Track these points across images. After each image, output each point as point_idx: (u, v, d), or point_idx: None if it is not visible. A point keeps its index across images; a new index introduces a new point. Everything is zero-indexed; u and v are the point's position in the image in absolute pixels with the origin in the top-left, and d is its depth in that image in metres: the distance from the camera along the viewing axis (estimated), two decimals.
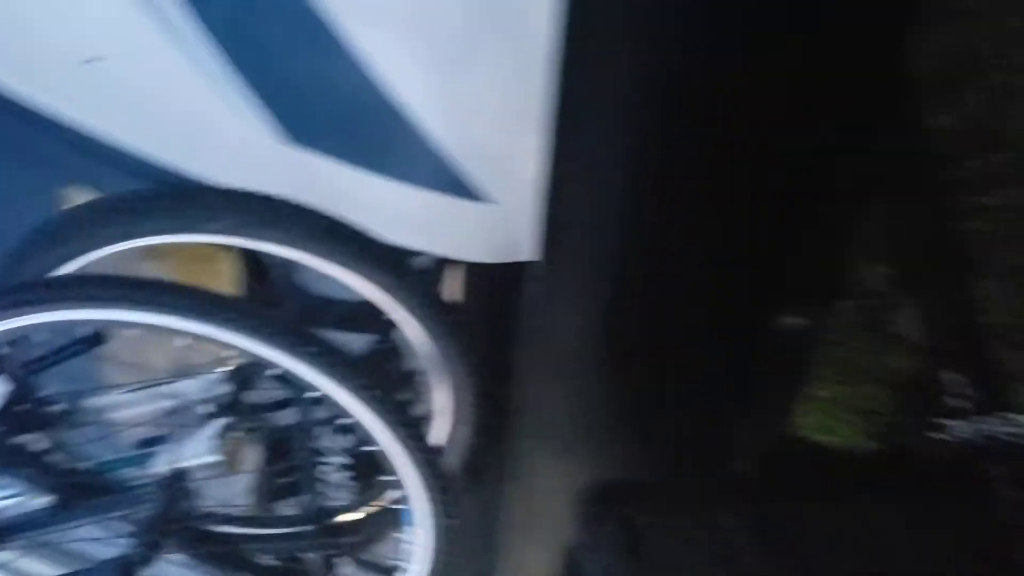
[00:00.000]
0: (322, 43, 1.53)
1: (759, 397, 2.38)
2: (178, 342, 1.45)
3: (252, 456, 1.62)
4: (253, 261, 1.78)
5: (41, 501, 1.48)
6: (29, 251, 1.38)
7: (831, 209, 2.20)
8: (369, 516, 1.69)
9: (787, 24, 1.68)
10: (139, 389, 1.50)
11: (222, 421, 1.47)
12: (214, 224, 1.42)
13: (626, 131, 1.71)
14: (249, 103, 1.60)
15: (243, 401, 1.52)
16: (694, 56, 1.69)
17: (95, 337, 1.50)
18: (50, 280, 1.35)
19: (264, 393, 1.58)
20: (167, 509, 1.36)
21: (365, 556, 1.75)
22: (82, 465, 1.52)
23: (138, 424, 1.50)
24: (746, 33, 1.67)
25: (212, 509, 1.57)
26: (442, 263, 1.84)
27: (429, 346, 1.64)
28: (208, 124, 1.66)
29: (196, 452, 1.42)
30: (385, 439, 1.35)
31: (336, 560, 1.69)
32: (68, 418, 1.48)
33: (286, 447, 1.61)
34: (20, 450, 1.44)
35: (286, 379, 1.52)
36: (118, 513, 1.43)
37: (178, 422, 1.48)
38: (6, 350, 1.35)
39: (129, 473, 1.49)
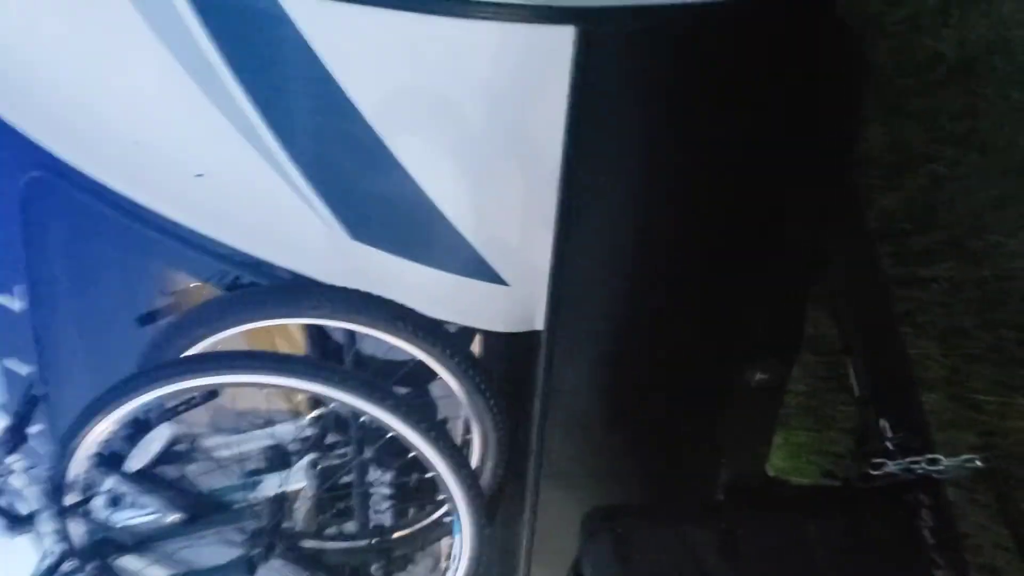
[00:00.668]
0: (378, 161, 1.95)
1: (735, 442, 2.81)
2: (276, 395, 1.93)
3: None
4: (315, 331, 2.24)
5: (174, 517, 1.94)
6: (172, 333, 1.87)
7: (797, 278, 2.65)
8: (425, 528, 2.15)
9: (752, 135, 2.14)
10: (246, 431, 1.98)
11: (310, 456, 1.94)
12: (313, 310, 1.90)
13: (615, 232, 2.15)
14: (320, 209, 2.04)
15: (326, 441, 1.98)
16: (674, 166, 2.14)
17: (211, 392, 1.97)
18: (211, 354, 1.84)
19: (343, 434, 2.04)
20: (272, 524, 1.82)
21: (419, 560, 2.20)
22: (204, 490, 1.99)
23: (245, 459, 1.97)
24: (717, 141, 2.12)
25: (304, 526, 2.01)
26: (471, 332, 2.28)
27: (463, 396, 2.09)
28: (289, 225, 2.11)
29: (291, 481, 1.88)
30: (441, 467, 1.80)
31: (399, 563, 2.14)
32: (193, 454, 1.95)
33: (363, 476, 2.07)
34: (160, 478, 1.91)
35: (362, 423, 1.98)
36: (232, 527, 1.89)
37: (276, 457, 1.94)
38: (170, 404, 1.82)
39: (240, 496, 1.96)
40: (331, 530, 2.15)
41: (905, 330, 2.87)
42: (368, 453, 2.04)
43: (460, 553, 1.94)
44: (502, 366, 2.27)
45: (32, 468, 2.06)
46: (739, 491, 2.55)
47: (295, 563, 1.96)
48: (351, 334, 2.11)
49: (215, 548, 2.02)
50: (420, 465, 1.94)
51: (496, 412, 2.16)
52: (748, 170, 2.18)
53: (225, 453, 2.04)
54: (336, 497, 2.12)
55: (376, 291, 2.08)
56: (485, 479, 2.18)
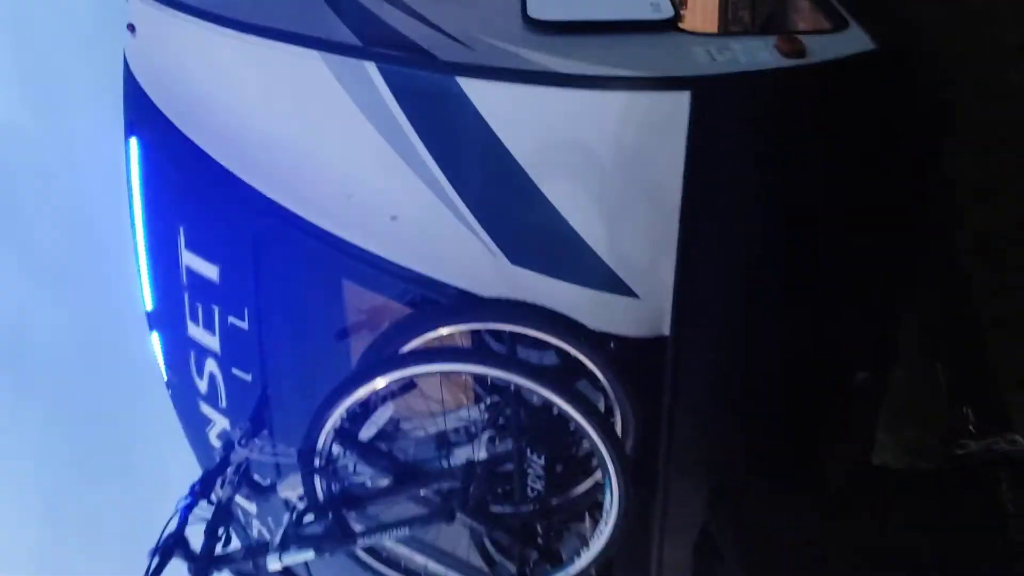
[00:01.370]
0: (533, 202, 2.48)
1: (840, 438, 3.20)
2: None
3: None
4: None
5: (385, 480, 2.51)
6: (387, 337, 2.46)
7: (891, 296, 3.04)
8: (586, 491, 2.66)
9: (842, 175, 2.57)
10: (439, 417, 2.55)
11: (489, 432, 2.48)
12: (497, 317, 2.46)
13: (728, 256, 2.60)
14: (487, 240, 2.58)
15: (504, 421, 2.52)
16: (774, 203, 2.59)
17: (411, 383, 2.54)
18: (425, 349, 2.44)
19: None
20: (464, 485, 2.36)
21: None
22: (407, 458, 2.56)
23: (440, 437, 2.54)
24: (811, 181, 2.57)
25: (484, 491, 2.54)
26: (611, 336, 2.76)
27: (608, 386, 2.59)
28: (461, 253, 2.66)
29: (478, 453, 2.43)
30: (597, 438, 2.31)
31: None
32: (397, 433, 2.53)
33: (537, 450, 2.59)
34: (380, 450, 2.50)
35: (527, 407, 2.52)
36: (432, 487, 2.46)
37: (462, 435, 2.50)
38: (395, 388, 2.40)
39: (436, 465, 2.52)
40: (504, 496, 2.69)
41: (997, 336, 3.21)
42: (529, 434, 2.57)
43: (610, 509, 2.42)
44: (637, 366, 2.73)
45: (271, 446, 2.67)
46: (844, 475, 2.96)
47: (477, 519, 2.48)
48: (512, 340, 2.64)
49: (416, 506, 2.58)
50: (575, 442, 2.45)
51: (633, 400, 2.64)
52: (838, 202, 2.62)
53: (423, 433, 2.62)
54: (506, 469, 2.66)
55: None
56: (628, 444, 2.65)
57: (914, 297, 3.02)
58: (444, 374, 2.53)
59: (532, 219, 2.52)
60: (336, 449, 2.49)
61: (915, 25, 3.22)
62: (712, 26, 2.64)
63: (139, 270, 3.57)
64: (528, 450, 2.57)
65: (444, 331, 2.51)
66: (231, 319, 3.23)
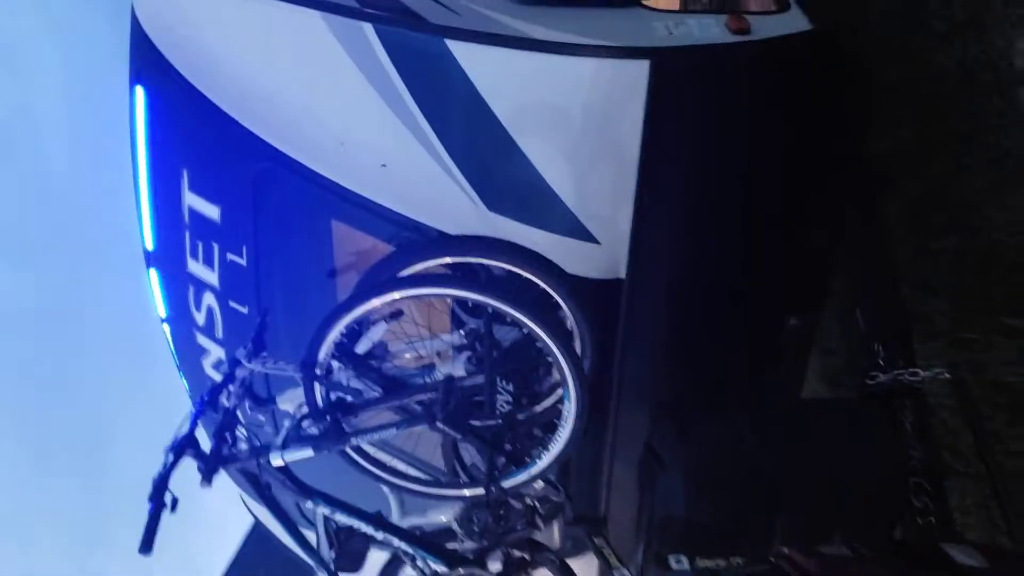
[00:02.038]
0: (510, 154, 2.81)
1: (775, 372, 3.63)
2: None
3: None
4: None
5: (375, 392, 2.88)
6: (388, 262, 2.82)
7: (822, 247, 3.46)
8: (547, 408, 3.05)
9: (784, 137, 2.96)
10: (422, 341, 2.91)
11: (466, 353, 2.85)
12: (476, 252, 2.82)
13: (680, 206, 2.96)
14: (468, 189, 2.91)
15: (480, 345, 2.89)
16: (723, 161, 2.96)
17: (398, 312, 2.90)
18: (413, 275, 2.81)
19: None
20: (443, 398, 2.72)
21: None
22: (393, 374, 2.92)
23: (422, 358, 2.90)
24: (757, 142, 2.95)
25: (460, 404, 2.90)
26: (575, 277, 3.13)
27: (569, 312, 2.96)
28: (445, 200, 2.97)
29: (456, 370, 2.80)
30: (559, 354, 2.68)
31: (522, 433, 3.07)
32: (383, 354, 2.90)
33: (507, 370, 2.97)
34: (371, 365, 2.85)
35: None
36: (416, 398, 2.82)
37: (443, 356, 2.87)
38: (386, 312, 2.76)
39: (419, 380, 2.89)
40: (478, 409, 3.08)
41: (920, 291, 3.66)
42: (501, 355, 2.96)
43: (568, 417, 2.82)
44: (596, 303, 3.11)
45: (272, 361, 3.00)
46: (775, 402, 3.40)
47: (454, 428, 2.85)
48: (489, 275, 3.00)
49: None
50: (541, 363, 2.83)
51: (591, 328, 3.02)
52: (776, 163, 3.01)
53: (410, 353, 2.99)
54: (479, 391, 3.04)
55: None
56: (586, 365, 3.05)
57: (843, 252, 3.44)
58: (431, 298, 2.89)
59: (508, 170, 2.86)
60: (334, 362, 2.84)
61: (856, 10, 3.64)
62: (674, 4, 2.98)
63: (139, 212, 3.84)
64: (500, 369, 2.95)
65: (433, 262, 2.86)
66: (230, 256, 3.53)
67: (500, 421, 3.08)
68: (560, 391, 2.86)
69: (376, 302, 2.73)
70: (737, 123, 2.89)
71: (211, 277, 3.65)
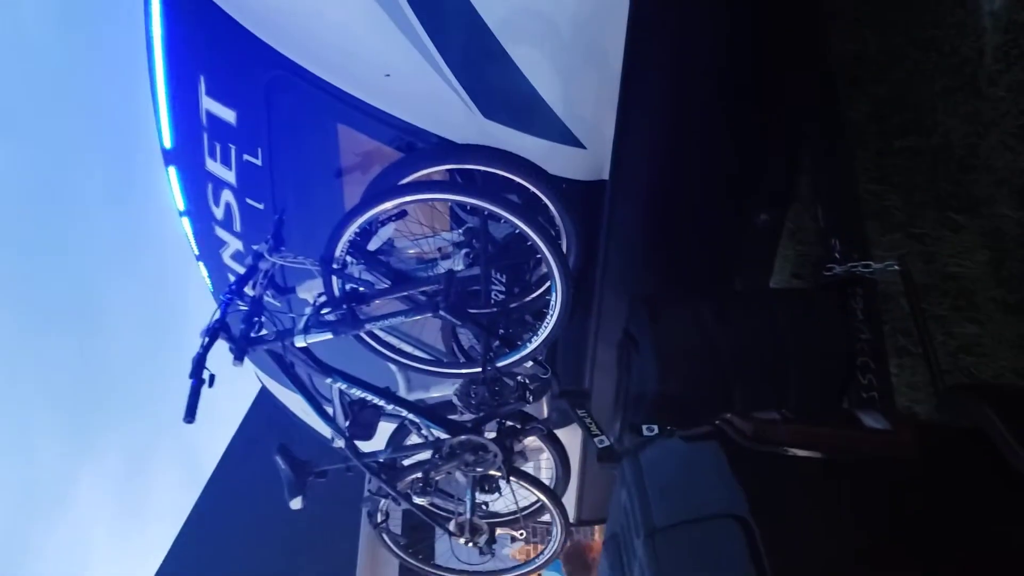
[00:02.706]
0: (501, 63, 3.06)
1: (747, 264, 3.99)
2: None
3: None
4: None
5: (385, 283, 3.24)
6: (395, 168, 3.13)
7: (790, 150, 3.76)
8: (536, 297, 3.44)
9: (754, 48, 3.22)
10: (427, 238, 3.26)
11: (464, 249, 3.21)
12: (472, 159, 3.13)
13: (659, 112, 3.24)
14: (464, 97, 3.17)
15: (477, 242, 3.24)
16: (697, 67, 3.23)
17: (403, 213, 3.23)
18: (417, 181, 3.14)
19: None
20: (445, 288, 3.08)
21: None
22: (400, 268, 3.28)
23: (425, 254, 3.26)
24: (728, 51, 3.21)
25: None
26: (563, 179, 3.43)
27: (556, 211, 3.28)
28: (444, 107, 3.23)
29: (456, 265, 3.16)
30: (546, 249, 3.03)
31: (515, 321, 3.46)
32: (391, 250, 3.25)
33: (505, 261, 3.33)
34: (381, 259, 3.21)
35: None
36: (420, 289, 3.19)
37: (444, 252, 3.22)
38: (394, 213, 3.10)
39: (423, 273, 3.25)
40: (475, 299, 3.47)
41: (880, 187, 3.98)
42: (495, 250, 3.32)
43: (555, 305, 3.20)
44: (582, 202, 3.43)
45: (292, 255, 3.35)
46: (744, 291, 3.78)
47: (454, 316, 3.22)
48: (484, 180, 3.30)
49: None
50: (529, 255, 3.18)
51: (577, 226, 3.36)
52: (747, 73, 3.28)
53: (414, 250, 3.34)
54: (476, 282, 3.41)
55: None
56: (571, 261, 3.41)
57: (807, 153, 3.75)
58: (434, 201, 3.22)
59: (501, 79, 3.10)
60: (349, 258, 3.19)
61: None
62: None
63: (158, 114, 4.09)
64: (494, 264, 3.32)
65: (434, 169, 3.17)
66: (246, 156, 3.81)
67: (495, 309, 3.46)
68: (548, 283, 3.21)
69: (387, 205, 3.05)
70: (713, 31, 3.15)
71: (229, 176, 3.94)
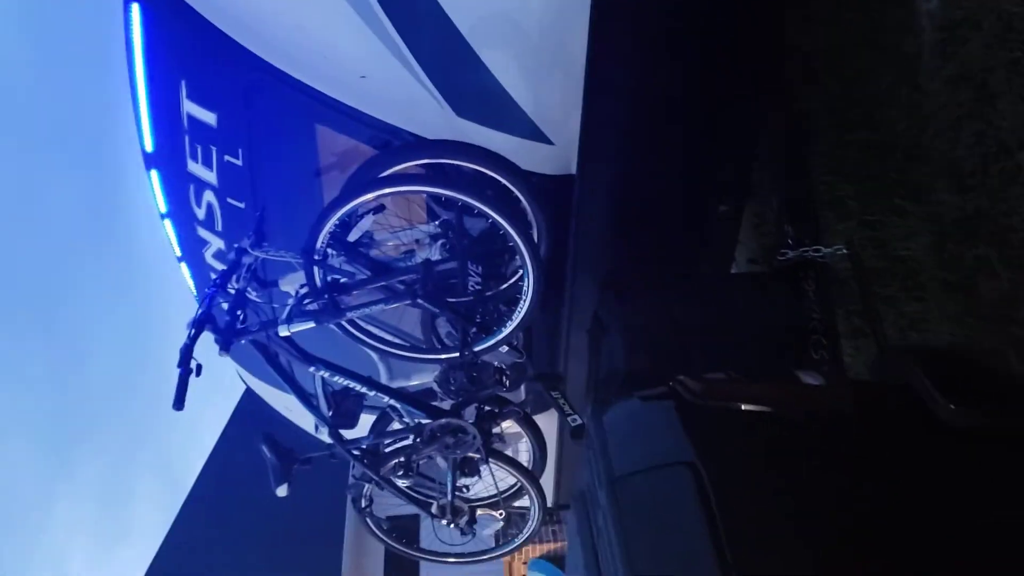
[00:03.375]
0: (471, 64, 3.23)
1: (708, 253, 4.20)
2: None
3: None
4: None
5: (364, 274, 3.41)
6: (373, 163, 3.30)
7: (748, 147, 3.97)
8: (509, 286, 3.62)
9: (713, 47, 3.43)
10: (405, 230, 3.43)
11: (440, 241, 3.39)
12: (446, 154, 3.31)
13: (623, 113, 3.43)
14: (438, 96, 3.35)
15: (453, 236, 3.42)
16: (660, 66, 3.43)
17: (381, 207, 3.40)
18: (394, 174, 3.30)
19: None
20: (423, 278, 3.26)
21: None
22: (379, 259, 3.45)
23: (403, 246, 3.44)
24: (690, 51, 3.42)
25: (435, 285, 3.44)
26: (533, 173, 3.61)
27: (526, 203, 3.47)
28: (418, 106, 3.41)
29: (433, 255, 3.34)
30: (518, 238, 3.21)
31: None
32: (370, 242, 3.42)
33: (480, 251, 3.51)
34: (359, 251, 3.38)
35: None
36: (398, 279, 3.37)
37: (421, 243, 3.40)
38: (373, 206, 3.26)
39: (401, 263, 3.43)
40: (452, 288, 3.65)
41: (834, 178, 4.21)
42: (470, 241, 3.50)
43: (527, 292, 3.38)
44: (551, 195, 3.62)
45: (274, 250, 3.51)
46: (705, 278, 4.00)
47: (432, 303, 3.40)
48: (458, 174, 3.48)
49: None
50: (503, 245, 3.37)
51: (547, 218, 3.55)
52: (706, 71, 3.48)
53: (392, 242, 3.52)
54: (451, 272, 3.59)
55: None
56: (542, 251, 3.60)
57: (762, 149, 3.97)
58: (410, 194, 3.40)
59: (472, 79, 3.28)
60: (329, 249, 3.36)
61: None
62: None
63: (139, 118, 4.22)
64: (469, 254, 3.50)
65: (411, 163, 3.35)
66: (227, 157, 3.96)
67: (471, 297, 3.64)
68: (520, 271, 3.40)
69: (365, 197, 3.22)
70: (671, 31, 3.35)
71: (210, 176, 4.09)
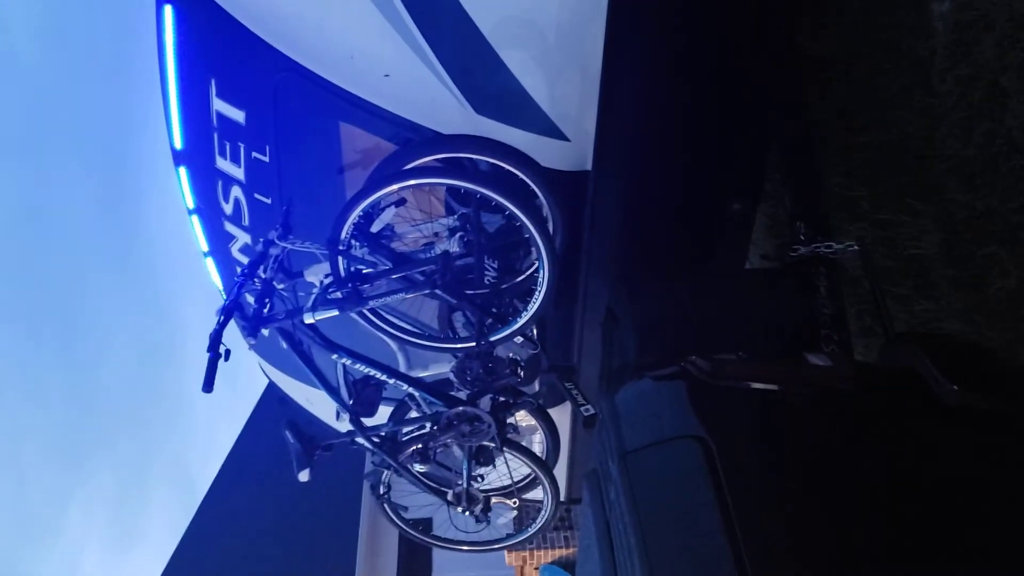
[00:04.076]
0: (491, 63, 3.35)
1: (718, 245, 4.28)
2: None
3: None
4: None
5: (386, 264, 3.52)
6: (396, 157, 3.41)
7: (761, 146, 4.06)
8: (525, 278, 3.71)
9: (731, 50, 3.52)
10: (423, 224, 3.54)
11: (459, 234, 3.49)
12: (467, 149, 3.41)
13: (638, 111, 3.53)
14: (458, 95, 3.46)
15: (471, 229, 3.52)
16: (676, 69, 3.53)
17: (402, 200, 3.51)
18: (416, 166, 3.42)
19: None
20: (441, 268, 3.36)
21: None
22: (400, 250, 3.56)
23: (423, 238, 3.55)
24: (704, 54, 3.51)
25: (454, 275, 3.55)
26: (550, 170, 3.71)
27: (543, 197, 3.57)
28: (439, 104, 3.52)
29: (451, 247, 3.45)
30: (535, 231, 3.31)
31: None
32: (392, 234, 3.53)
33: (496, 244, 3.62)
34: (380, 242, 3.49)
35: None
36: (418, 270, 3.47)
37: (440, 236, 3.51)
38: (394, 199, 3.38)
39: (421, 255, 3.53)
40: (470, 281, 3.75)
41: (847, 179, 4.29)
42: (487, 235, 3.61)
43: (542, 283, 3.48)
44: (567, 190, 3.72)
45: (300, 241, 3.62)
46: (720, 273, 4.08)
47: (450, 294, 3.50)
48: (475, 168, 3.59)
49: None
50: (518, 239, 3.47)
51: (563, 212, 3.64)
52: (720, 74, 3.57)
53: (413, 235, 3.63)
54: (469, 264, 3.69)
55: None
56: (556, 244, 3.68)
57: (776, 150, 4.05)
58: (430, 186, 3.51)
59: (491, 78, 3.38)
60: (353, 240, 3.48)
61: None
62: None
63: (169, 116, 4.36)
64: (486, 247, 3.61)
65: (431, 157, 3.46)
66: (255, 154, 4.09)
67: (488, 289, 3.75)
68: (536, 264, 3.50)
69: (388, 189, 3.34)
70: (686, 34, 3.45)
71: (238, 172, 4.21)
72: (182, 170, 4.59)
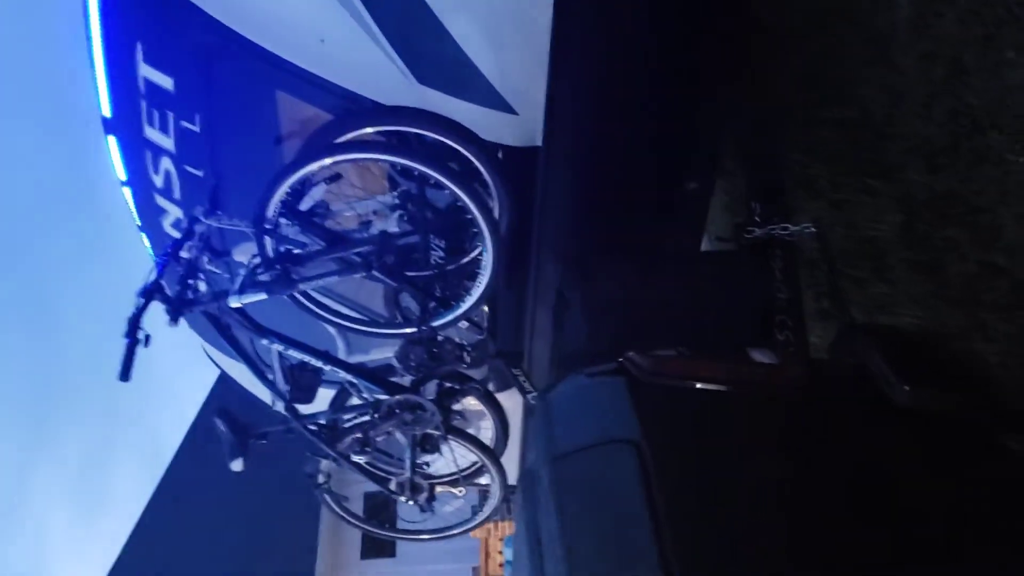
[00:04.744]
0: (434, 31, 3.14)
1: (673, 226, 4.13)
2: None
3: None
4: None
5: (318, 245, 3.32)
6: (326, 129, 3.19)
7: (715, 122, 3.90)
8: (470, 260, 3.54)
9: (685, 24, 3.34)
10: (362, 200, 3.34)
11: (398, 212, 3.29)
12: (406, 120, 3.21)
13: (588, 82, 3.36)
14: (399, 63, 3.25)
15: (410, 204, 3.32)
16: (632, 36, 3.34)
17: (337, 175, 3.30)
18: (349, 140, 3.20)
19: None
20: (377, 249, 3.17)
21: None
22: (335, 230, 3.36)
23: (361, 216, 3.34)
24: (657, 27, 3.33)
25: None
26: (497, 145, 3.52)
27: (488, 174, 3.38)
28: (379, 73, 3.31)
29: (391, 226, 3.25)
30: (480, 216, 3.13)
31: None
32: (325, 212, 3.32)
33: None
34: (313, 221, 3.28)
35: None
36: (354, 251, 3.27)
37: (379, 214, 3.31)
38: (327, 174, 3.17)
39: (357, 235, 3.34)
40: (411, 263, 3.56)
41: (805, 157, 4.14)
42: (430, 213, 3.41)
43: (486, 267, 3.30)
44: (516, 167, 3.53)
45: (227, 218, 3.41)
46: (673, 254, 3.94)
47: (389, 276, 3.32)
48: (418, 142, 3.39)
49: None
50: (464, 218, 3.28)
51: (508, 190, 3.46)
52: (675, 43, 3.40)
53: (349, 213, 3.42)
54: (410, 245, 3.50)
55: None
56: (503, 224, 3.51)
57: (732, 126, 3.89)
58: (364, 162, 3.30)
59: (434, 45, 3.19)
60: (281, 219, 3.26)
61: None
62: None
63: (95, 82, 4.10)
64: (429, 227, 3.42)
65: (366, 130, 3.24)
66: (184, 123, 3.85)
67: (432, 271, 3.56)
68: (480, 243, 3.32)
69: (315, 165, 3.13)
70: (638, 5, 3.26)
71: (167, 143, 3.96)
72: (111, 139, 4.33)
